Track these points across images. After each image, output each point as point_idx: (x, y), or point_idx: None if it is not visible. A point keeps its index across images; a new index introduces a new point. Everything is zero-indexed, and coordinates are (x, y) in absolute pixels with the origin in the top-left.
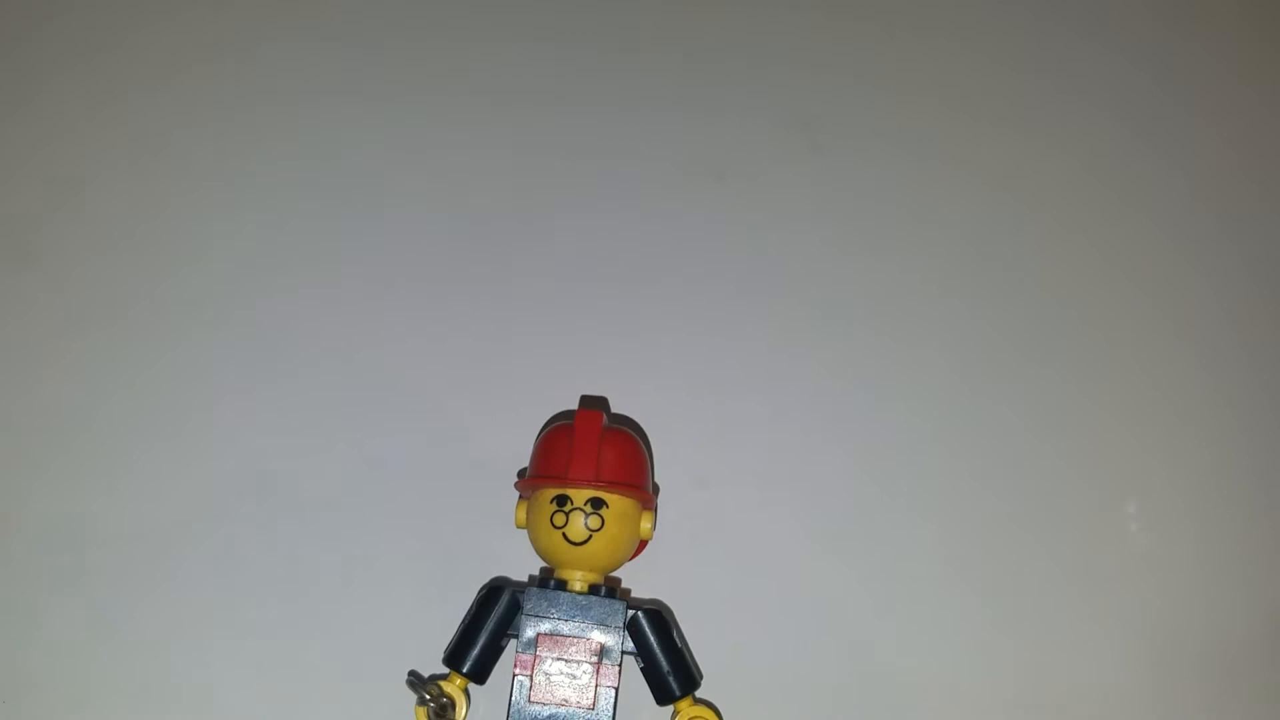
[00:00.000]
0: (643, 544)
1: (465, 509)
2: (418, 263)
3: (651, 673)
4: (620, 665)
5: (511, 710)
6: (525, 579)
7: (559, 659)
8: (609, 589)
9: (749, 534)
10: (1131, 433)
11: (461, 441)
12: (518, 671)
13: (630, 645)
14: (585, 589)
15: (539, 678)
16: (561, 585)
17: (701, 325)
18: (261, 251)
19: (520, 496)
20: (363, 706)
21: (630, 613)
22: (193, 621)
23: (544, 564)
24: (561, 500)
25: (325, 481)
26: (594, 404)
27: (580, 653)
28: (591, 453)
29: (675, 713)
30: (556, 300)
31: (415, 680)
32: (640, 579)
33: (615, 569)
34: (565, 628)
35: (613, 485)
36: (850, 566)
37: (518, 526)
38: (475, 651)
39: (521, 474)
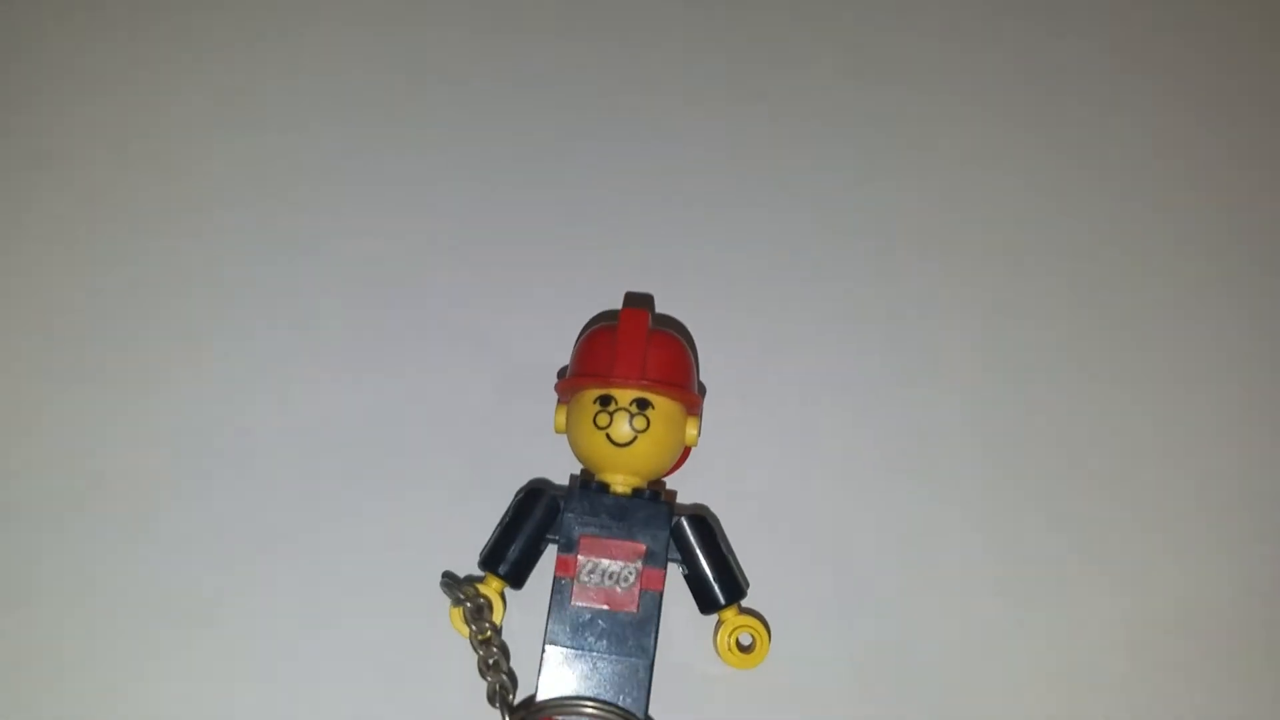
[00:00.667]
0: (687, 451)
1: (501, 413)
2: (454, 159)
3: (696, 580)
4: (665, 569)
5: (552, 613)
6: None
7: (602, 561)
8: (653, 492)
9: (795, 443)
10: (1165, 422)
11: (499, 344)
12: (559, 574)
13: (675, 552)
14: (629, 492)
15: (581, 580)
16: (604, 488)
17: (751, 228)
18: (282, 157)
19: (559, 400)
20: (398, 609)
21: (675, 518)
22: (229, 518)
23: (583, 468)
24: (605, 400)
25: (359, 387)
26: (639, 302)
27: (624, 556)
28: (638, 351)
29: (720, 622)
30: (600, 201)
31: (450, 581)
32: (684, 487)
33: (659, 475)
34: (608, 530)
35: (658, 385)
36: (896, 474)
37: (556, 431)
38: (513, 553)
39: (561, 375)
